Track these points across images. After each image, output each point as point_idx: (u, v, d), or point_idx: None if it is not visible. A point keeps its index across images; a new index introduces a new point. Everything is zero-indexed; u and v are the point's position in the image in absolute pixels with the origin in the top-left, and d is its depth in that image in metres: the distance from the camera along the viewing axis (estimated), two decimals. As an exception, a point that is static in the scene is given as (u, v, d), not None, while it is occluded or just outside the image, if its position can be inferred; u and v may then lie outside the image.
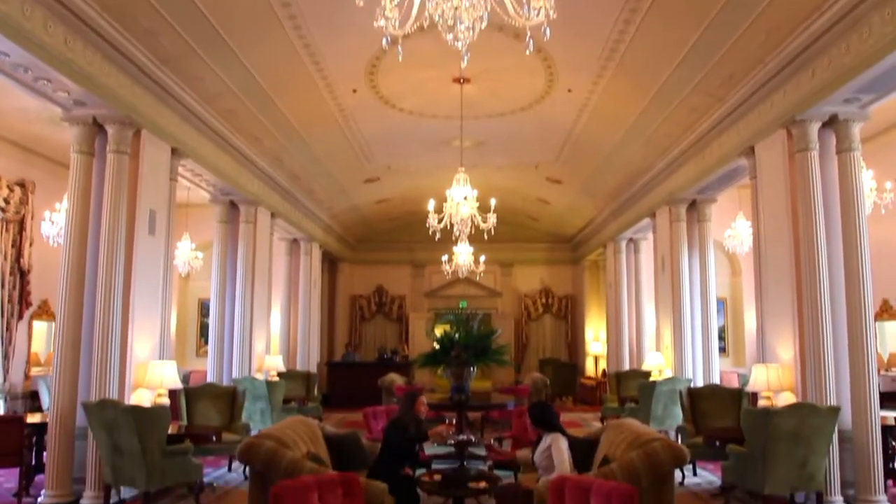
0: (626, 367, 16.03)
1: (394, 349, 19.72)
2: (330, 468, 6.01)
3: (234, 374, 11.73)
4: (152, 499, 7.77)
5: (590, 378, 20.33)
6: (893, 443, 7.84)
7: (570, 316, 22.21)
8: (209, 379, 11.45)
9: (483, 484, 5.88)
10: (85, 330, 7.69)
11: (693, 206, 12.13)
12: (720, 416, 9.11)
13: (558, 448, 5.64)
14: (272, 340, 15.87)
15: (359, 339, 21.66)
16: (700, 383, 11.23)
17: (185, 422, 9.18)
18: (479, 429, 12.96)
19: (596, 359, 21.00)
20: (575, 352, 21.99)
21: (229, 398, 9.59)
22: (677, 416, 11.39)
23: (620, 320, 16.94)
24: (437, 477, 6.10)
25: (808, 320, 7.52)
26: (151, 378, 8.10)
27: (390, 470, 5.88)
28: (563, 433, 5.80)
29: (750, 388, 8.24)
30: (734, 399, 9.21)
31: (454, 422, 6.30)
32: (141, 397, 8.05)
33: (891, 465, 7.75)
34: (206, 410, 9.39)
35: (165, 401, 8.21)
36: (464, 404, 8.57)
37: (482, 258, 15.26)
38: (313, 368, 17.09)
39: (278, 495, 3.99)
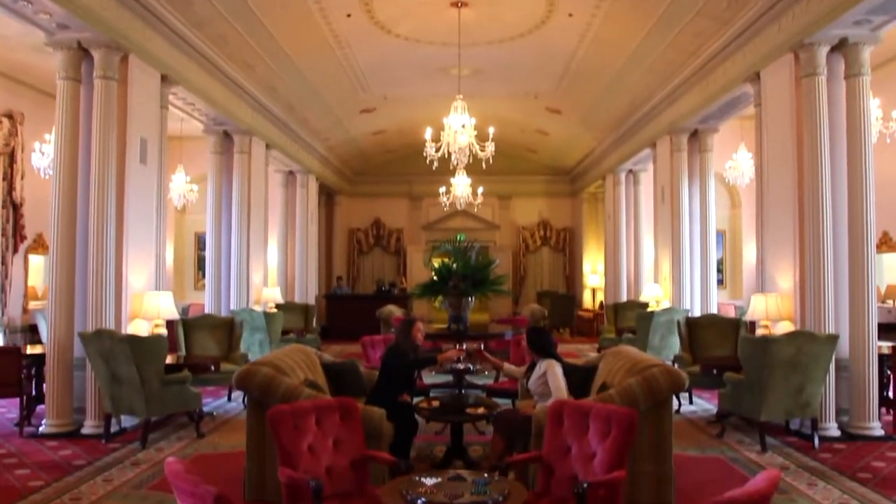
0: (624, 298, 16.07)
1: (392, 282, 19.74)
2: (328, 395, 6.01)
3: (232, 307, 11.73)
4: (153, 427, 7.85)
5: (587, 310, 20.44)
6: (888, 371, 7.87)
7: (567, 249, 22.19)
8: (207, 312, 11.45)
9: (481, 409, 5.89)
10: (79, 261, 7.61)
11: (695, 136, 11.93)
12: (717, 346, 9.14)
13: (554, 374, 5.63)
14: (270, 273, 15.86)
15: (357, 273, 21.69)
16: (697, 314, 11.27)
17: (183, 352, 9.20)
18: (477, 359, 13.09)
19: (593, 291, 21.08)
20: (572, 284, 22.05)
21: (227, 329, 9.59)
22: (674, 346, 11.46)
23: (618, 252, 16.92)
24: (435, 403, 6.11)
25: (810, 249, 7.45)
26: (148, 309, 8.07)
27: (388, 396, 5.88)
28: (559, 360, 5.80)
29: (748, 317, 8.23)
30: (732, 328, 9.22)
31: (464, 346, 6.27)
32: (138, 328, 8.03)
33: (884, 394, 7.80)
34: (204, 341, 9.40)
35: (163, 331, 8.19)
36: (462, 334, 8.56)
37: (480, 190, 15.12)
38: (312, 301, 17.14)
39: (274, 419, 3.96)
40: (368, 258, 21.95)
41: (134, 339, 6.91)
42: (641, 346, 10.98)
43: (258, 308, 12.72)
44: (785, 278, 8.03)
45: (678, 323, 9.48)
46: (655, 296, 13.03)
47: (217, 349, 9.38)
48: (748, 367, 6.98)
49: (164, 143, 8.79)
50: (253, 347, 11.46)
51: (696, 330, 9.39)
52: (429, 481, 3.52)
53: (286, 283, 16.37)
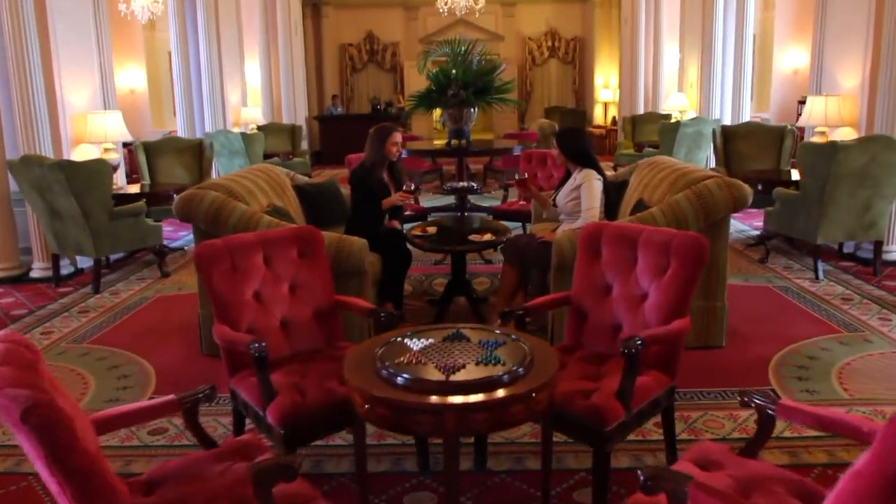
0: (641, 111, 14.65)
1: (388, 100, 18.24)
2: (300, 223, 4.93)
3: (208, 130, 10.46)
4: (115, 266, 6.89)
5: (599, 126, 19.07)
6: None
7: (578, 60, 20.40)
8: (181, 137, 10.20)
9: (488, 236, 4.79)
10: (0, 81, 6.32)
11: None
12: (757, 159, 7.93)
13: (590, 188, 4.48)
14: (252, 94, 14.41)
15: (351, 92, 20.07)
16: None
17: (147, 181, 8.07)
18: (482, 179, 11.97)
19: (605, 106, 19.59)
20: (582, 99, 20.49)
21: (195, 153, 8.39)
22: (701, 161, 10.28)
23: (636, 60, 15.24)
24: (432, 230, 5.01)
25: (889, 38, 6.05)
26: (94, 131, 6.85)
27: (369, 223, 4.81)
28: (600, 172, 4.63)
29: (803, 122, 6.96)
30: (774, 139, 7.96)
31: (413, 188, 4.96)
32: (84, 154, 6.85)
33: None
34: (170, 168, 8.23)
35: (114, 156, 7.02)
36: (463, 150, 7.35)
37: (482, -7, 13.30)
38: (300, 122, 15.79)
39: (203, 259, 2.87)
40: (362, 76, 20.23)
41: (67, 165, 5.72)
42: (665, 162, 9.81)
43: (238, 130, 11.45)
44: (849, 77, 6.69)
45: (713, 132, 8.22)
46: (680, 105, 11.67)
47: (186, 176, 8.23)
48: (807, 181, 5.81)
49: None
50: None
51: (734, 140, 8.13)
52: (416, 343, 2.47)
53: (272, 104, 14.94)
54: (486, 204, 8.61)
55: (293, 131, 12.94)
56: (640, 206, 4.56)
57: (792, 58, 14.40)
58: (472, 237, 4.67)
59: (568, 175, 4.70)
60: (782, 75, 14.56)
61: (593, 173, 4.49)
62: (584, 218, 4.34)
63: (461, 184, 7.01)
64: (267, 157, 10.94)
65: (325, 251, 3.22)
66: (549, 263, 4.26)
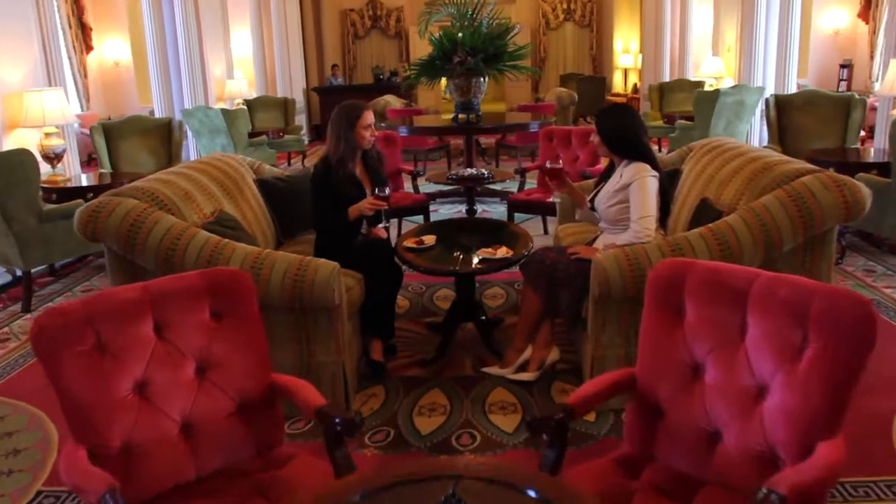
0: (667, 78, 13.35)
1: (392, 70, 17.01)
2: (256, 236, 3.83)
3: (188, 105, 9.34)
4: (59, 274, 5.84)
5: (619, 95, 17.74)
6: None
7: (595, 24, 18.97)
8: (158, 116, 9.08)
9: (502, 250, 3.63)
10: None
11: None
12: (818, 135, 6.71)
13: (643, 189, 3.24)
14: (243, 65, 13.27)
15: (353, 61, 18.78)
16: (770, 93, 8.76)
17: (107, 169, 6.97)
18: (494, 157, 10.80)
19: (625, 72, 18.24)
20: (601, 66, 19.12)
21: (163, 134, 7.26)
22: (742, 135, 9.06)
23: (661, 22, 13.88)
24: (430, 239, 3.85)
25: None
26: (32, 113, 5.73)
27: (340, 238, 3.71)
28: (655, 165, 3.35)
29: (884, 90, 5.76)
30: (839, 110, 6.72)
31: (387, 193, 3.62)
32: (22, 140, 5.76)
33: None
34: (134, 153, 7.12)
35: (57, 143, 5.93)
36: (473, 126, 6.21)
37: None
38: (297, 95, 14.62)
39: (42, 336, 1.77)
40: (365, 44, 18.91)
41: (-23, 157, 4.64)
42: (701, 136, 8.61)
43: (223, 105, 10.31)
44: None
45: (766, 103, 7.00)
46: (715, 72, 10.41)
47: (153, 162, 7.12)
48: (902, 163, 4.65)
49: None
50: (215, 155, 9.21)
51: (788, 113, 6.91)
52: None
53: (265, 76, 13.80)
54: (497, 188, 7.47)
55: (286, 105, 11.76)
56: (705, 208, 3.42)
57: (832, 18, 13.11)
58: (483, 252, 3.52)
59: (611, 169, 3.53)
60: (822, 37, 13.27)
61: (647, 169, 3.28)
62: (634, 231, 3.20)
63: (469, 171, 5.88)
64: (254, 135, 9.81)
65: (255, 306, 2.11)
66: (586, 289, 3.15)
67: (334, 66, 17.27)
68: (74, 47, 13.34)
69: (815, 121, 6.77)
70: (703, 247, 2.96)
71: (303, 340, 3.12)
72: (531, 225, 6.61)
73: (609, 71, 18.59)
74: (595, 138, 3.42)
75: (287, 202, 4.32)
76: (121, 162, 7.07)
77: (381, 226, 3.82)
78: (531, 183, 6.59)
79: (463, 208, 6.72)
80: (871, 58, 12.48)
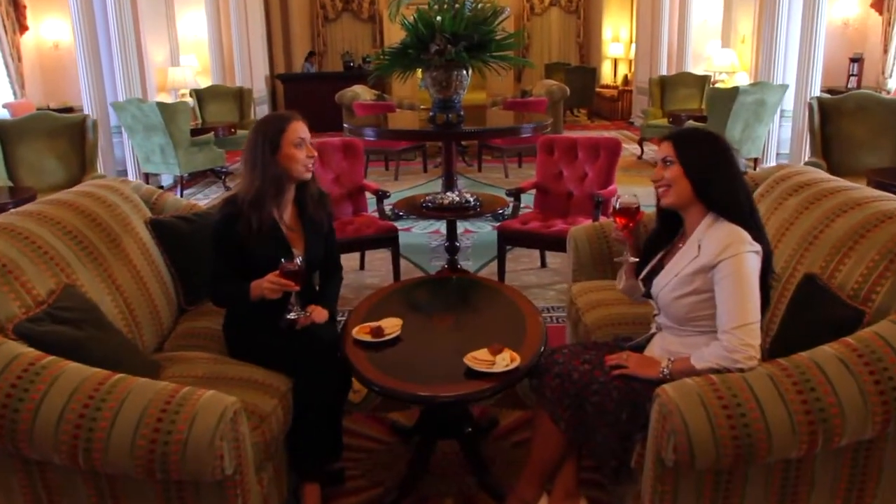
0: (665, 71, 12.17)
1: (365, 56, 15.67)
2: (134, 322, 2.56)
3: (121, 98, 7.98)
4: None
5: (608, 87, 16.58)
6: None
7: (582, 9, 17.74)
8: (87, 111, 7.71)
9: (504, 357, 2.19)
10: None
11: None
12: (871, 148, 5.56)
13: (741, 276, 1.99)
14: (197, 49, 11.85)
15: (323, 46, 17.36)
16: (793, 92, 7.62)
17: (3, 178, 5.64)
18: (476, 157, 9.56)
19: (615, 63, 17.08)
20: (588, 55, 17.91)
21: (75, 136, 5.94)
22: (760, 138, 7.93)
23: (659, 8, 12.68)
24: (392, 328, 2.46)
25: None
26: None
27: (251, 321, 2.53)
28: (760, 234, 2.10)
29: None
30: (894, 118, 5.58)
31: (299, 265, 2.33)
32: None
33: None
34: (38, 159, 5.80)
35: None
36: (453, 131, 4.96)
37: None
38: (259, 84, 13.24)
39: None
40: (336, 27, 17.47)
41: None
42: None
43: (167, 98, 8.96)
44: None
45: (810, 108, 5.79)
46: (727, 65, 9.22)
47: (60, 170, 5.81)
48: None
49: None
50: (153, 158, 7.89)
51: (835, 120, 5.73)
52: None
53: (223, 63, 12.38)
54: (483, 189, 6.18)
55: (241, 96, 10.40)
56: (815, 293, 2.20)
57: (842, 7, 12.00)
58: (476, 361, 2.26)
59: (671, 226, 2.29)
60: (830, 28, 12.07)
61: (745, 239, 2.03)
62: (726, 348, 1.94)
63: (449, 196, 4.62)
64: (199, 132, 8.46)
65: None
66: (637, 424, 1.96)
67: (311, 53, 15.89)
68: (5, 26, 11.86)
69: (867, 130, 5.61)
70: (845, 379, 1.77)
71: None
72: (523, 255, 5.41)
73: (597, 61, 17.41)
74: (670, 171, 2.12)
75: (193, 250, 3.05)
76: (20, 170, 5.74)
77: (289, 316, 2.51)
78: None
79: (442, 228, 5.50)
80: (885, 52, 11.44)
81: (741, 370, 1.89)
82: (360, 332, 2.47)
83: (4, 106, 10.46)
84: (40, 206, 2.58)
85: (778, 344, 2.19)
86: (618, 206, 2.30)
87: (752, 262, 2.00)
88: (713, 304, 2.03)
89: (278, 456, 2.32)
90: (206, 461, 1.73)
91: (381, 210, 4.88)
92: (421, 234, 6.29)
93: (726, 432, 1.72)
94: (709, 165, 2.09)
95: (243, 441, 1.87)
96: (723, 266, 1.99)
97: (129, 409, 1.77)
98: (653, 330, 2.29)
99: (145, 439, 1.73)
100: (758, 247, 2.02)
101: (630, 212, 2.30)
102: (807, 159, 6.05)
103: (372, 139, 6.40)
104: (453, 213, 4.54)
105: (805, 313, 2.18)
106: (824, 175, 2.82)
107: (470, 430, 2.69)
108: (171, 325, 2.88)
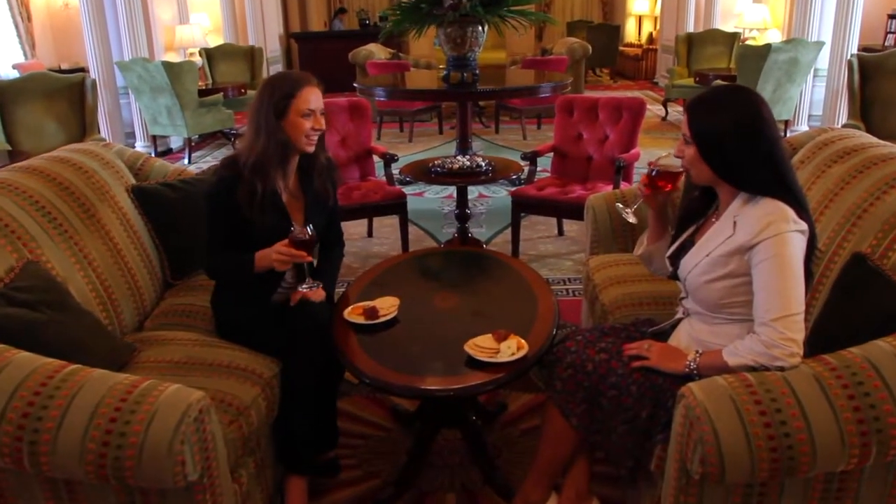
0: (692, 28, 11.67)
1: (382, 13, 15.24)
2: (109, 300, 2.36)
3: (127, 58, 7.73)
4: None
5: (631, 45, 16.06)
6: None
7: (607, -36, 17.20)
8: (94, 75, 7.46)
9: (511, 344, 1.96)
10: None
11: None
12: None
13: (784, 259, 1.68)
14: (208, 7, 11.55)
15: (339, 3, 16.92)
16: (827, 51, 7.20)
17: (3, 146, 5.45)
18: (493, 118, 9.23)
19: (639, 20, 16.51)
20: (611, 12, 17.40)
21: (74, 96, 5.72)
22: (793, 100, 7.54)
23: (687, -39, 12.14)
24: (388, 309, 2.21)
25: None
26: None
27: (245, 295, 2.36)
28: (803, 210, 1.78)
29: None
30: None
31: (310, 234, 2.17)
32: None
33: None
34: (36, 121, 5.58)
35: None
36: (468, 90, 4.67)
37: None
38: (272, 44, 12.93)
39: None
40: (355, -17, 17.07)
41: None
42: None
43: (175, 57, 8.69)
44: None
45: (849, 66, 5.43)
46: (759, 22, 8.77)
47: (60, 133, 5.60)
48: None
49: None
50: (160, 119, 7.67)
51: (875, 80, 5.36)
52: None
53: (235, 21, 12.05)
54: (499, 152, 5.88)
55: (252, 55, 10.10)
56: (863, 275, 1.94)
57: (877, -42, 11.41)
58: (479, 349, 2.03)
59: (704, 203, 2.02)
60: None
61: (788, 216, 1.73)
62: (765, 342, 1.67)
63: (459, 160, 4.36)
64: (208, 92, 8.20)
65: None
66: (658, 423, 1.74)
67: (340, 9, 15.45)
68: (14, -15, 11.62)
69: (909, 90, 5.25)
70: (902, 380, 1.52)
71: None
72: (539, 223, 5.14)
73: (621, 18, 16.87)
74: (687, 149, 1.84)
75: (180, 220, 2.83)
76: (19, 133, 5.54)
77: (302, 288, 2.32)
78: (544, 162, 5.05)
79: (454, 192, 5.24)
80: (928, 7, 10.91)
81: (781, 368, 1.63)
82: (352, 313, 2.23)
83: (14, 66, 10.27)
84: (5, 173, 2.36)
85: (818, 335, 1.92)
86: (655, 172, 2.01)
87: (797, 242, 1.72)
88: (750, 290, 1.76)
89: (262, 449, 2.12)
90: (166, 467, 1.53)
91: (388, 175, 4.63)
92: (433, 198, 6.04)
93: (763, 443, 1.48)
94: (729, 146, 1.77)
95: (212, 441, 1.66)
96: (762, 247, 1.72)
97: (80, 405, 1.56)
98: (679, 315, 2.03)
99: (96, 442, 1.52)
100: (803, 225, 1.73)
101: (671, 176, 2.01)
102: (843, 122, 5.69)
103: (382, 99, 6.16)
104: (464, 179, 4.28)
105: (852, 300, 1.91)
106: (873, 140, 2.52)
107: (475, 418, 2.47)
108: (154, 302, 2.67)
